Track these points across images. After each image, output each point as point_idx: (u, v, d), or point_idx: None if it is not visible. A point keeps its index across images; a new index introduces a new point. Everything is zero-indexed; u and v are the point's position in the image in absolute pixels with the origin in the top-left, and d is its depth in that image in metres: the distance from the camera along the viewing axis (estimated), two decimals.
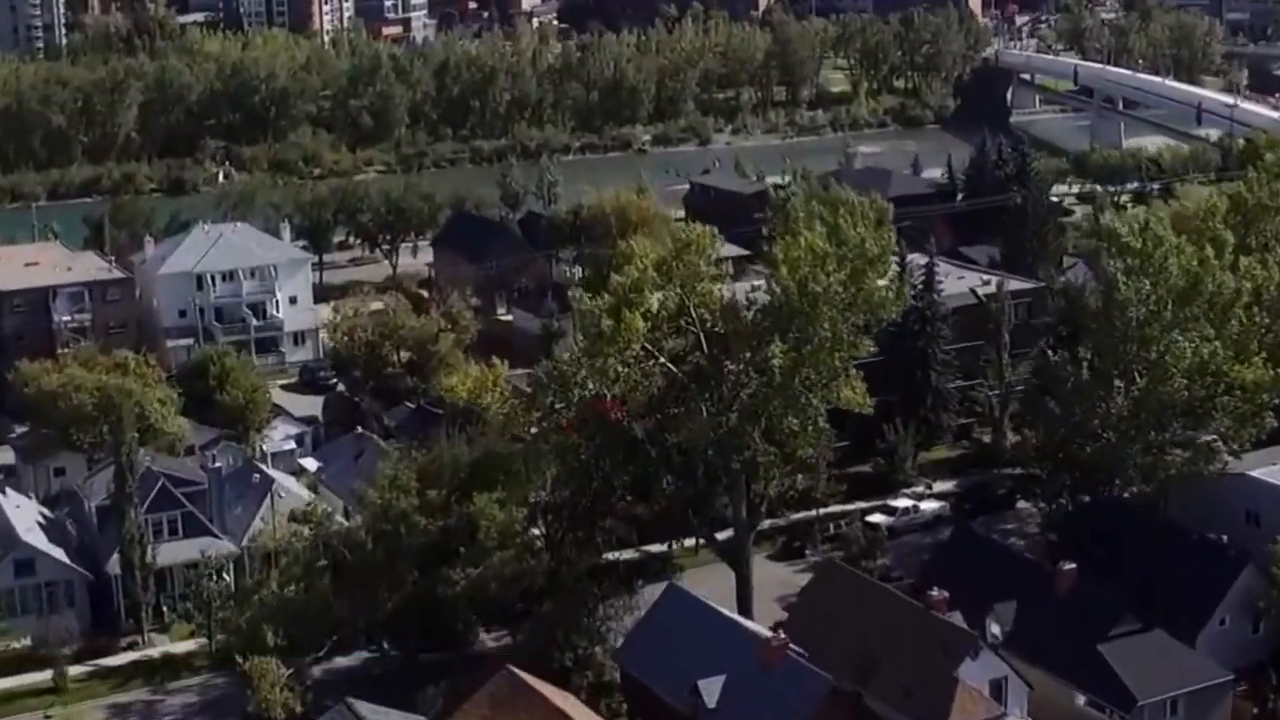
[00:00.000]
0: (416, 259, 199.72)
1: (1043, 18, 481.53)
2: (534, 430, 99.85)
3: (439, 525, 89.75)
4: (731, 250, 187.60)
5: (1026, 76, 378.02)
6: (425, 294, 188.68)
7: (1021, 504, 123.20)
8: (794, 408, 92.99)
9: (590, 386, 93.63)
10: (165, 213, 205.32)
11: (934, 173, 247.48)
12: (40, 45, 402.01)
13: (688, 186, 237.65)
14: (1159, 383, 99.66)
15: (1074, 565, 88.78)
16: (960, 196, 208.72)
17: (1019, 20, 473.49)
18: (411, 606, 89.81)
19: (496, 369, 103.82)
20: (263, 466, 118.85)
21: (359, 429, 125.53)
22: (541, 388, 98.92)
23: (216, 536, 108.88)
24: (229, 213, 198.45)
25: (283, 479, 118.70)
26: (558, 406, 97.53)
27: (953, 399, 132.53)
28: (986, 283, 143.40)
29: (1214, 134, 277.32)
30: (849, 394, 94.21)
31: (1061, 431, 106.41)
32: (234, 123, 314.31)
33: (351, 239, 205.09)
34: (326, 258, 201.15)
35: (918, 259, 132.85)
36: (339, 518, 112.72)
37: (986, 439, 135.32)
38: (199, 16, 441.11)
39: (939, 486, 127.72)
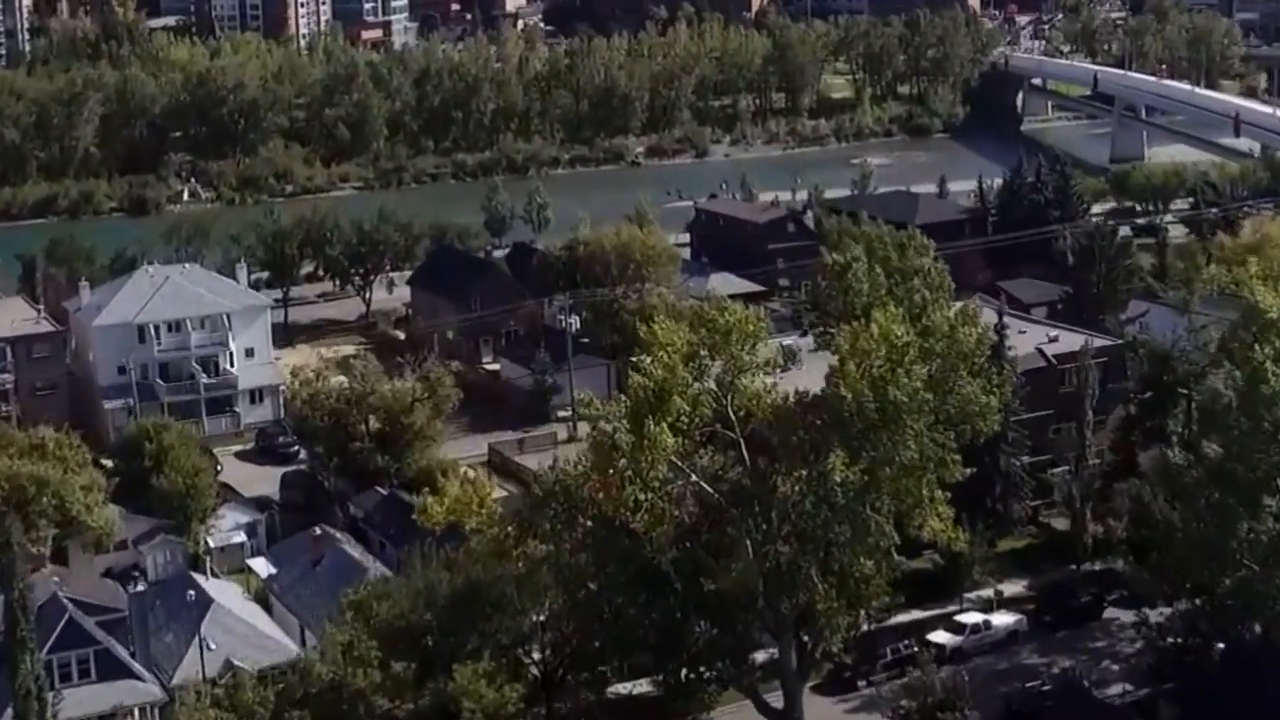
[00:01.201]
0: (392, 294, 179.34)
1: (1044, 18, 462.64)
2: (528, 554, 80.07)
3: (409, 709, 69.31)
4: (743, 286, 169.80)
5: (1037, 82, 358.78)
6: (401, 335, 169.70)
7: (1109, 610, 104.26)
8: (862, 541, 72.60)
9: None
10: (111, 246, 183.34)
11: (957, 187, 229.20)
12: (2, 52, 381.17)
13: (689, 205, 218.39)
14: None
15: None
16: (992, 219, 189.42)
17: (1020, 21, 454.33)
18: None
19: (482, 486, 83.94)
20: (200, 580, 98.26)
21: (318, 530, 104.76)
22: (540, 507, 78.92)
23: (138, 678, 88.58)
24: (182, 247, 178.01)
25: (225, 594, 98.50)
26: (559, 528, 77.99)
27: (1025, 486, 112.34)
28: (1053, 339, 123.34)
29: (1253, 147, 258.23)
30: (935, 524, 73.81)
31: (1184, 553, 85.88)
32: (201, 136, 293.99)
33: (320, 272, 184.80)
34: (295, 291, 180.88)
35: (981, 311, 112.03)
36: (292, 647, 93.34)
37: (1058, 524, 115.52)
38: (170, 21, 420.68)
39: (1008, 588, 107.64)
